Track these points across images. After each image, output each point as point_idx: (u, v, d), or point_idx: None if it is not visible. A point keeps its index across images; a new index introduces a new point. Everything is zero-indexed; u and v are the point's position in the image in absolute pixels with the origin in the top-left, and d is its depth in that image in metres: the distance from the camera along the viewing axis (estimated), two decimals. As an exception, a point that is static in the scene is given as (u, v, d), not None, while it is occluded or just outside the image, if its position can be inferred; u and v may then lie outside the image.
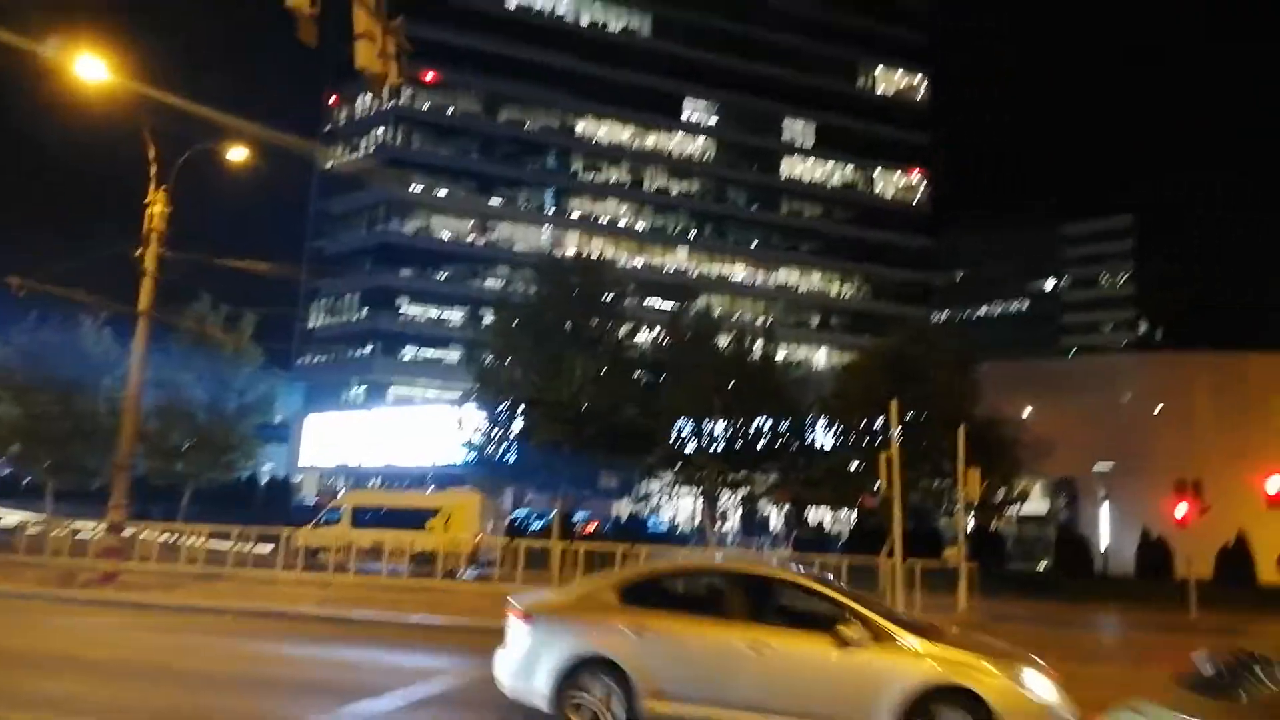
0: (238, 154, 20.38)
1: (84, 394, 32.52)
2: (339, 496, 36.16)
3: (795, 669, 8.29)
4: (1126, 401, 57.04)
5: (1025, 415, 41.45)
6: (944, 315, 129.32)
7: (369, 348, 74.40)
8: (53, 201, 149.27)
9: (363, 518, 27.97)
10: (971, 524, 31.23)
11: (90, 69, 16.34)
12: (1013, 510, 39.26)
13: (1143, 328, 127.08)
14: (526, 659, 8.77)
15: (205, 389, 32.58)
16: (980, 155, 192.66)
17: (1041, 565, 42.47)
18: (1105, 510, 52.18)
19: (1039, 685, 8.05)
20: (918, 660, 8.09)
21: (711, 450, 31.56)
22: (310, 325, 78.28)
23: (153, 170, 18.88)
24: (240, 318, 31.97)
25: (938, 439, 30.13)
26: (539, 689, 8.61)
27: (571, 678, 8.49)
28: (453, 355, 70.33)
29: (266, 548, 25.72)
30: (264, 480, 56.49)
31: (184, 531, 26.30)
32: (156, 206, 18.98)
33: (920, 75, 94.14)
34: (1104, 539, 48.13)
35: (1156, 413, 56.47)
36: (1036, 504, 47.29)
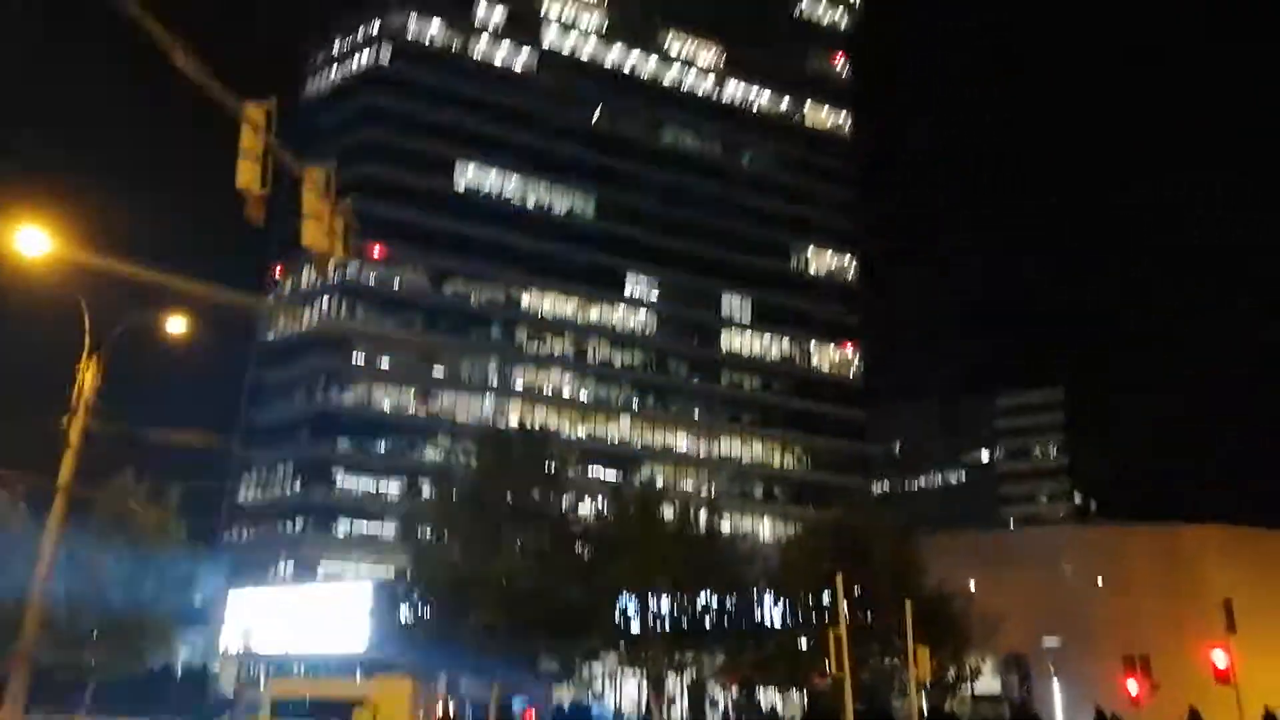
0: (176, 325, 20.06)
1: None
2: (261, 687, 33.62)
3: None
4: (1068, 574, 57.35)
5: (971, 588, 41.22)
6: (884, 486, 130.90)
7: (300, 522, 71.54)
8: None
9: (285, 709, 25.96)
10: (925, 705, 30.22)
11: (31, 242, 16.13)
12: (965, 689, 38.33)
13: (1077, 498, 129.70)
14: None
15: (122, 568, 30.60)
16: (911, 329, 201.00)
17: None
18: (1055, 687, 51.26)
19: None
20: None
21: (657, 629, 30.44)
22: (239, 499, 75.38)
23: (87, 340, 18.44)
24: (165, 492, 30.56)
25: (885, 614, 29.65)
26: None
27: None
28: (388, 530, 67.97)
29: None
30: (179, 670, 52.40)
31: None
32: (87, 376, 18.42)
33: (848, 256, 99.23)
34: (1058, 717, 47.05)
35: (1099, 585, 56.77)
36: (988, 682, 46.30)
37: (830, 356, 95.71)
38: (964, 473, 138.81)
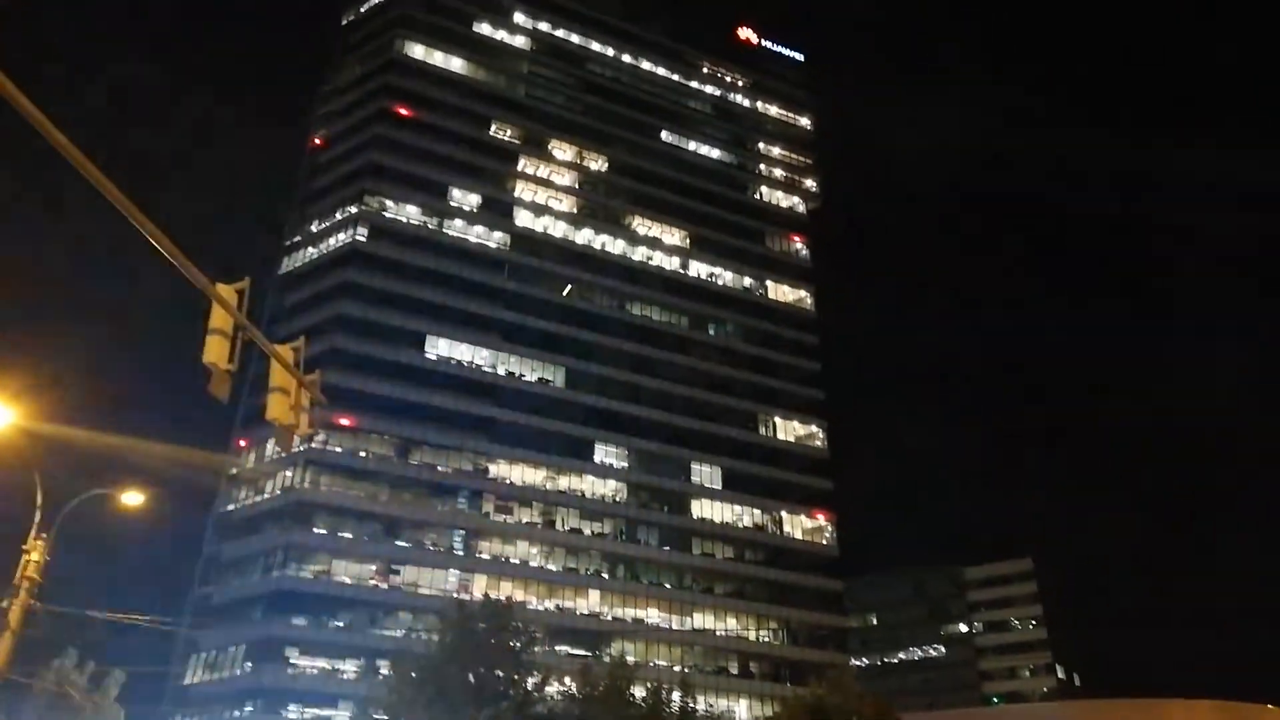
0: (133, 498, 19.71)
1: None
2: None
3: None
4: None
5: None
6: (863, 661, 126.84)
7: (249, 707, 67.41)
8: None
9: None
10: None
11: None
12: None
13: (1060, 673, 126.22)
14: None
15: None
16: (881, 499, 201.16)
17: None
18: None
19: None
20: None
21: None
22: (186, 681, 71.18)
23: (36, 517, 17.99)
24: (106, 675, 28.94)
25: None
26: None
27: None
28: (343, 714, 64.24)
29: None
30: None
31: None
32: (33, 555, 17.83)
33: (815, 425, 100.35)
34: None
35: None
36: None
37: (803, 525, 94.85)
38: (943, 647, 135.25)
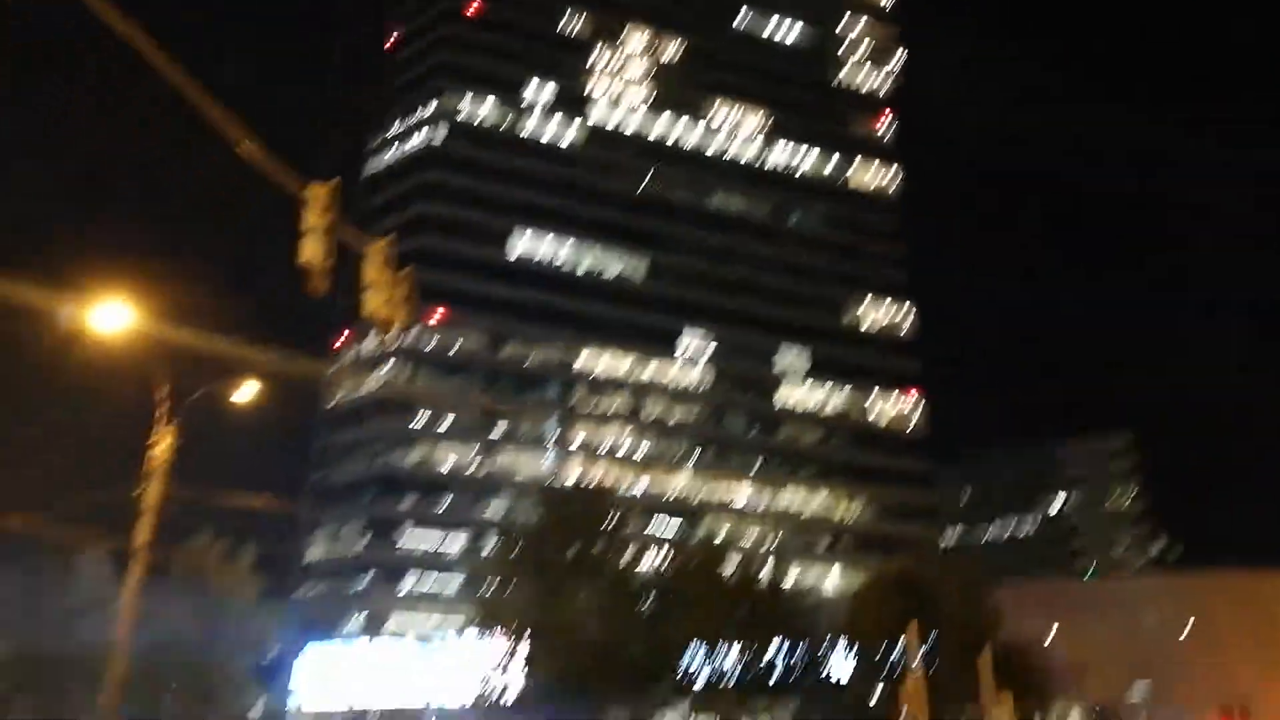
0: (246, 391, 21.05)
1: (78, 631, 31.89)
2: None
3: None
4: (1153, 625, 55.02)
5: (1049, 639, 39.84)
6: (954, 537, 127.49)
7: (368, 578, 72.72)
8: (57, 438, 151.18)
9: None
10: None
11: (111, 317, 17.31)
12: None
13: (1157, 546, 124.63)
14: None
15: (199, 625, 31.81)
16: (974, 377, 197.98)
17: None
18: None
19: None
20: None
21: (723, 684, 30.10)
22: (309, 558, 76.93)
23: (161, 409, 19.42)
24: (239, 553, 31.64)
25: (960, 666, 28.93)
26: None
27: None
28: (453, 584, 68.59)
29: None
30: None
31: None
32: (162, 444, 19.35)
33: (903, 308, 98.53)
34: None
35: (1184, 636, 54.35)
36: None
37: (891, 407, 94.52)
38: (1036, 522, 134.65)
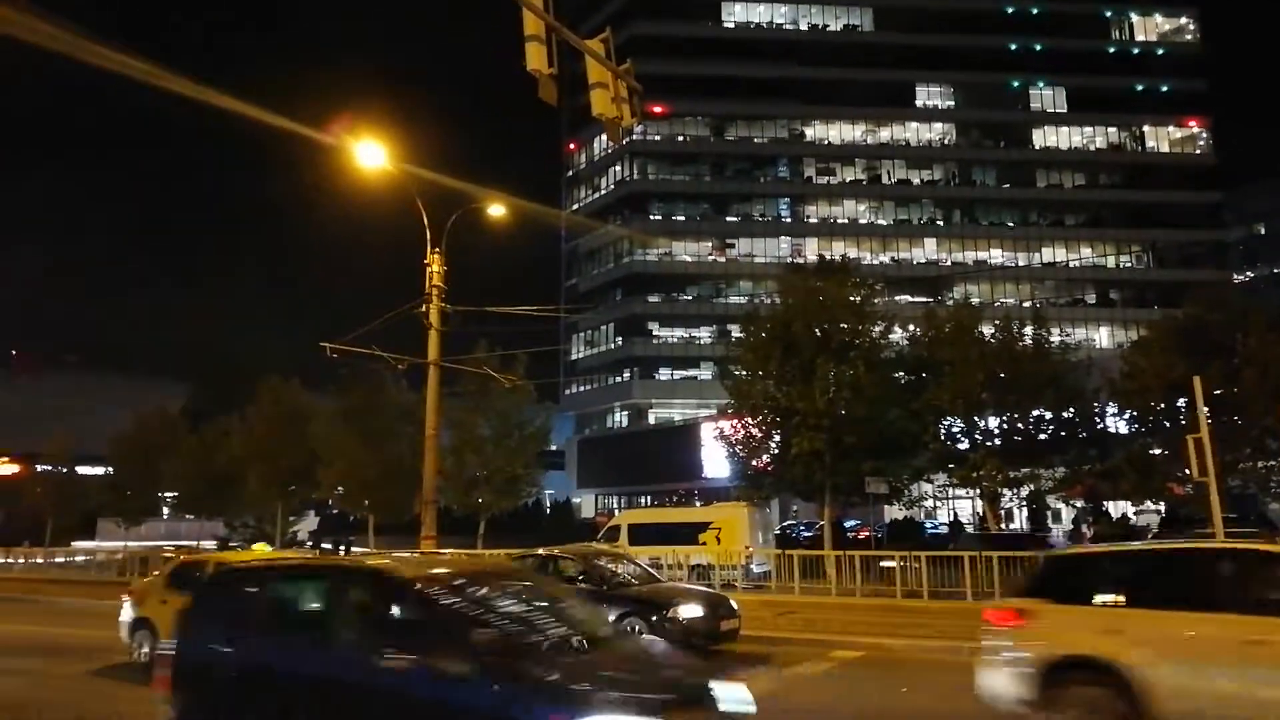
0: (496, 211, 22.26)
1: (391, 440, 37.16)
2: (615, 516, 38.07)
3: None
4: None
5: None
6: (1247, 276, 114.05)
7: (626, 373, 77.73)
8: (350, 270, 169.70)
9: (638, 534, 29.22)
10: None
11: (371, 156, 18.69)
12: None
13: None
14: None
15: (491, 425, 35.79)
16: (1268, 97, 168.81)
17: None
18: None
19: None
20: None
21: (986, 447, 29.74)
22: (573, 357, 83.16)
23: (427, 235, 21.01)
24: (514, 358, 34.67)
25: (1259, 415, 26.63)
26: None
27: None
28: (705, 373, 71.78)
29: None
30: (547, 504, 60.73)
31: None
32: (434, 267, 21.08)
33: (1184, 19, 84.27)
34: None
35: None
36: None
37: (1170, 135, 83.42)
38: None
